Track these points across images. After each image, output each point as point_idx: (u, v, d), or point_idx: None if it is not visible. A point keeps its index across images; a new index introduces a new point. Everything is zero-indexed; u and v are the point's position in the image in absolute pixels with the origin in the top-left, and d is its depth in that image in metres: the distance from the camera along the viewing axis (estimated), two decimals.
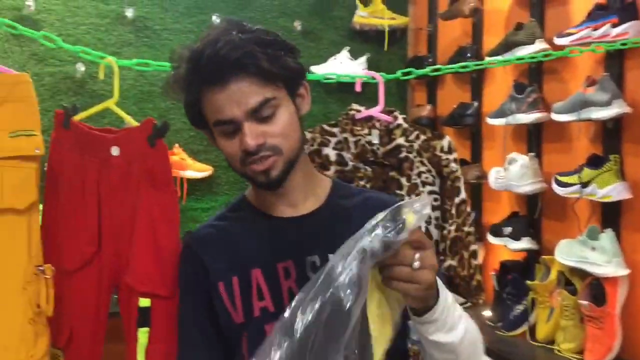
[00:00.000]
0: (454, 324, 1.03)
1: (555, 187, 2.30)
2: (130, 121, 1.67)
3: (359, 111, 1.78)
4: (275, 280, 1.20)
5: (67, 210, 1.52)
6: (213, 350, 1.26)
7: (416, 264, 0.92)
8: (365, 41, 3.38)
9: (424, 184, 1.72)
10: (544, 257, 2.43)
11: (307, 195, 1.24)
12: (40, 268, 1.46)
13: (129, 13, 2.99)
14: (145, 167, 1.54)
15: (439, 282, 1.02)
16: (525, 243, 2.51)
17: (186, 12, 3.12)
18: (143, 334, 1.54)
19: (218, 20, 3.11)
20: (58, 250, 1.51)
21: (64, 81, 2.92)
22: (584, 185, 2.17)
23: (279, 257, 1.21)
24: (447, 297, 1.04)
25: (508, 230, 2.58)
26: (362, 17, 3.31)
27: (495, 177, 2.63)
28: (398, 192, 1.71)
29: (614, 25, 2.10)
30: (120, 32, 3.01)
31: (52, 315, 1.47)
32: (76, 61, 2.90)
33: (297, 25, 3.28)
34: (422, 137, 1.73)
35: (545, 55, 2.30)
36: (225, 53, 1.09)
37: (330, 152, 1.73)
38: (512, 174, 2.51)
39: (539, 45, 2.42)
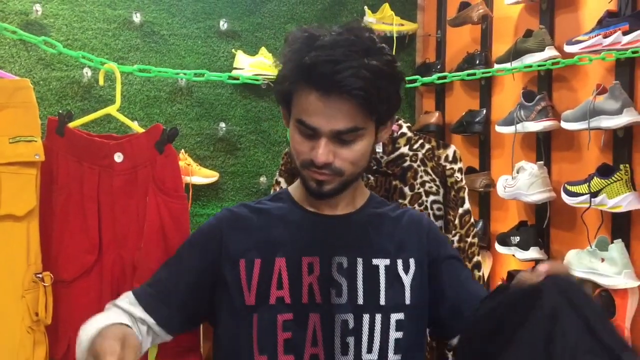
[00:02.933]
0: None
1: (564, 196, 2.27)
2: (135, 127, 1.66)
3: None
4: (297, 272, 1.21)
5: (63, 219, 1.51)
6: (180, 305, 1.26)
7: None
8: None
9: (428, 193, 1.69)
10: None
11: (347, 202, 1.28)
12: (39, 276, 1.46)
13: (136, 18, 2.99)
14: (153, 173, 1.53)
15: None
16: (533, 253, 2.47)
17: (193, 18, 3.11)
18: None
19: (225, 26, 3.11)
20: (54, 260, 1.50)
21: (70, 86, 2.92)
22: (594, 195, 2.13)
23: (306, 251, 1.22)
24: None
25: (516, 239, 2.54)
26: (370, 23, 3.28)
27: (503, 185, 2.60)
28: (401, 201, 1.69)
29: (625, 33, 2.06)
30: (127, 37, 3.01)
31: (50, 324, 1.47)
32: (83, 66, 2.89)
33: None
34: (427, 146, 1.70)
35: (554, 63, 2.26)
36: (342, 78, 1.08)
37: None
38: (520, 182, 2.47)
39: (549, 52, 2.39)
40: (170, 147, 1.59)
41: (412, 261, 1.26)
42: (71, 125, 1.53)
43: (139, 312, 1.22)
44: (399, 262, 1.25)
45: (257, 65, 3.04)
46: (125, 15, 2.99)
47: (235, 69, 3.05)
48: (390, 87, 1.16)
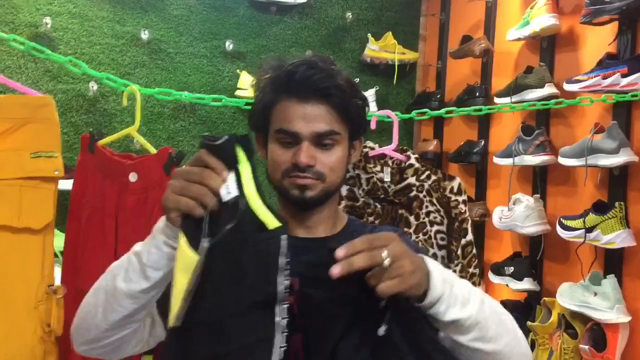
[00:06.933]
0: (466, 297, 1.00)
1: (559, 230, 2.32)
2: (150, 148, 1.70)
3: (372, 148, 1.81)
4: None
5: (86, 233, 1.55)
6: None
7: (386, 261, 0.92)
8: (374, 74, 3.43)
9: (432, 223, 1.74)
10: (545, 298, 2.44)
11: (326, 226, 1.28)
12: (52, 288, 1.49)
13: (144, 35, 3.04)
14: (160, 194, 1.57)
15: (430, 262, 0.99)
16: (526, 284, 2.52)
17: (200, 37, 3.17)
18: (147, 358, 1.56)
19: (231, 46, 3.17)
20: (77, 270, 1.54)
21: (76, 99, 2.96)
22: (589, 230, 2.19)
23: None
24: (444, 273, 1.00)
25: (510, 270, 2.59)
26: (372, 50, 3.36)
27: (499, 216, 2.65)
28: (406, 229, 1.73)
29: (624, 75, 2.13)
30: (134, 53, 3.05)
31: (61, 335, 1.49)
32: (89, 80, 2.93)
33: (308, 54, 3.33)
34: (433, 177, 1.75)
35: (557, 103, 2.33)
36: (319, 77, 1.16)
37: (342, 188, 1.75)
38: (516, 214, 2.53)
39: (548, 89, 2.46)
40: (176, 169, 1.63)
41: None
42: (99, 143, 1.58)
43: None
44: None
45: None
46: (134, 32, 3.04)
47: (239, 89, 3.10)
48: (360, 104, 1.24)
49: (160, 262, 1.02)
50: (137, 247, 1.06)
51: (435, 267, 0.99)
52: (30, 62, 2.90)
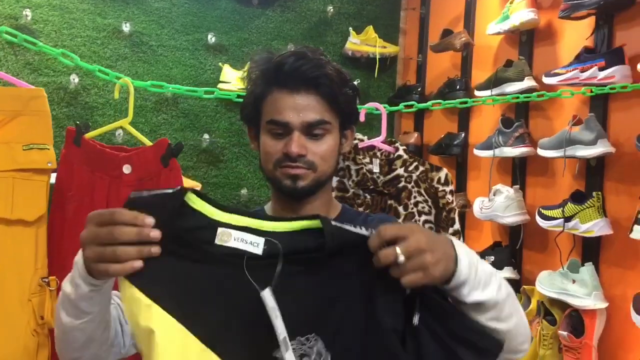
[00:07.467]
0: (488, 279, 0.99)
1: (538, 219, 2.39)
2: (144, 140, 1.70)
3: (361, 140, 1.84)
4: None
5: (73, 227, 1.55)
6: None
7: (400, 258, 0.90)
8: (356, 67, 3.46)
9: (420, 213, 1.78)
10: (525, 286, 2.51)
11: None
12: (45, 280, 1.49)
13: (126, 28, 3.02)
14: (157, 185, 1.58)
15: (457, 244, 0.98)
16: (507, 272, 2.58)
17: (182, 30, 3.16)
18: None
19: (213, 39, 3.17)
20: (62, 266, 1.53)
21: (57, 92, 2.93)
22: (567, 219, 2.25)
23: None
24: (469, 255, 0.99)
25: (490, 259, 2.65)
26: (354, 43, 3.39)
27: (480, 207, 2.71)
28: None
29: (601, 69, 2.20)
30: (116, 46, 3.04)
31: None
32: (70, 72, 2.91)
33: (290, 48, 3.32)
34: (421, 168, 1.79)
35: (539, 96, 2.39)
36: (308, 68, 1.19)
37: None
38: (497, 204, 2.59)
39: (528, 82, 2.52)
40: (174, 161, 1.64)
41: None
42: (87, 136, 1.58)
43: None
44: None
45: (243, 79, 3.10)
46: (115, 25, 3.02)
47: (222, 82, 3.11)
48: (350, 93, 1.26)
49: (91, 299, 1.00)
50: (66, 286, 1.02)
51: (462, 251, 0.98)
52: (10, 55, 2.86)
